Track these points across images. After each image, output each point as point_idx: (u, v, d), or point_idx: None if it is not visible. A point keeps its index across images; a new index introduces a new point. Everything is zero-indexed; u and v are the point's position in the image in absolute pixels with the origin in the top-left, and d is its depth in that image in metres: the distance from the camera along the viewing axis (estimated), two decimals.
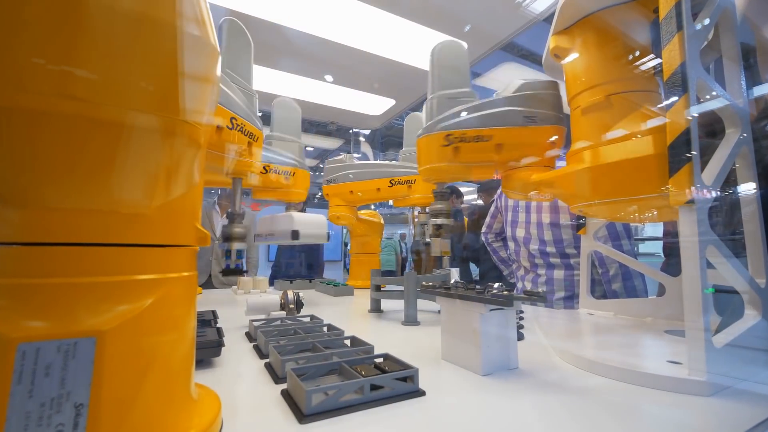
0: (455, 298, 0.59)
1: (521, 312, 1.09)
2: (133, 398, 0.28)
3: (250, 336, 0.77)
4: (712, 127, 0.65)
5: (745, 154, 0.61)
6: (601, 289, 1.25)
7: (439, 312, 0.64)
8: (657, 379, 0.48)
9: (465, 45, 1.00)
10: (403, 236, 6.96)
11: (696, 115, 0.51)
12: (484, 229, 1.89)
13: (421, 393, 0.46)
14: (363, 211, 1.94)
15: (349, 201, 1.71)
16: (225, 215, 1.59)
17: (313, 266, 2.96)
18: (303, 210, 1.91)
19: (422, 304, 1.05)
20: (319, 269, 3.06)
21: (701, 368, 0.46)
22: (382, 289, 1.10)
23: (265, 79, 2.03)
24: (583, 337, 0.76)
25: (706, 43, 0.73)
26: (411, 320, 0.91)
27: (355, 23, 1.55)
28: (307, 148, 6.95)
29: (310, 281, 1.74)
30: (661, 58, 0.55)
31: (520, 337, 0.77)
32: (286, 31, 1.60)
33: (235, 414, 0.41)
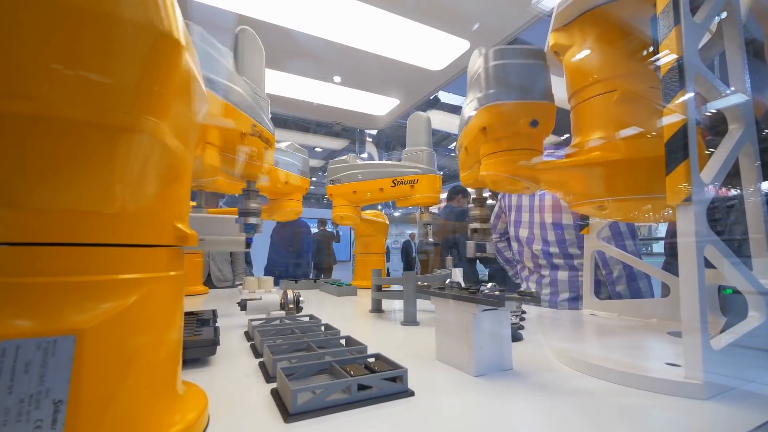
0: (448, 298, 0.58)
1: (524, 313, 1.08)
2: (113, 395, 0.29)
3: (248, 335, 0.77)
4: (724, 126, 0.63)
5: (749, 150, 0.60)
6: (606, 291, 1.23)
7: None
8: (652, 382, 0.47)
9: None
10: (412, 236, 6.95)
11: (693, 112, 0.50)
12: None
13: (410, 393, 0.46)
14: (368, 212, 1.95)
15: (352, 201, 1.72)
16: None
17: (318, 266, 2.99)
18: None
19: (424, 304, 1.04)
20: (326, 269, 3.08)
21: (698, 371, 0.45)
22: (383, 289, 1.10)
23: (271, 81, 2.05)
24: (583, 338, 0.74)
25: (710, 36, 0.72)
26: (410, 320, 0.90)
27: (359, 24, 1.55)
28: (316, 149, 6.98)
29: (315, 281, 1.75)
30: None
31: (519, 337, 0.77)
32: (291, 33, 1.61)
33: (223, 412, 0.42)
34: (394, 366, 0.49)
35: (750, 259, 0.58)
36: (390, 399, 0.44)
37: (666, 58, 0.53)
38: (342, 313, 1.12)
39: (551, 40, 0.82)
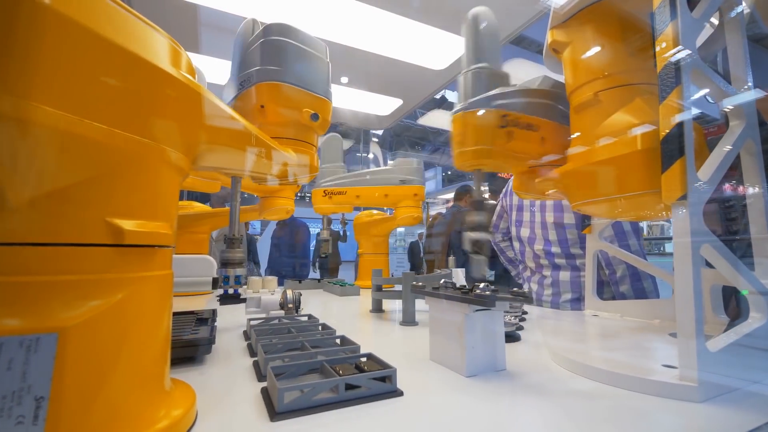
0: (441, 298, 0.58)
1: (525, 313, 1.07)
2: (96, 392, 0.29)
3: (246, 335, 0.78)
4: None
5: (751, 147, 0.58)
6: (610, 291, 1.21)
7: None
8: (646, 384, 0.46)
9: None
10: (420, 236, 6.93)
11: (689, 108, 0.49)
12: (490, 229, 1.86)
13: (399, 393, 0.46)
14: (373, 212, 1.95)
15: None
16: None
17: (324, 266, 3.00)
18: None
19: (424, 304, 1.04)
20: (331, 269, 3.09)
21: (692, 373, 0.44)
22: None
23: None
24: (581, 339, 0.73)
25: (712, 30, 0.70)
26: (409, 320, 0.90)
27: (361, 25, 1.56)
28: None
29: (319, 281, 1.76)
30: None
31: (517, 338, 0.76)
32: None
33: (213, 409, 0.42)
34: (383, 366, 0.49)
35: (752, 259, 0.57)
36: (378, 399, 0.44)
37: (662, 54, 0.52)
38: (342, 313, 1.12)
39: (549, 37, 0.81)
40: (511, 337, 0.75)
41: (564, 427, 0.39)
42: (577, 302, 1.24)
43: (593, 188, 0.72)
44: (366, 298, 1.39)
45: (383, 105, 2.08)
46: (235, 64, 0.86)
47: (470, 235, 0.85)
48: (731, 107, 0.57)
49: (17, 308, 0.27)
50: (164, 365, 0.38)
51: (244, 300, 0.87)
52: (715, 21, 0.68)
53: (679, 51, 0.50)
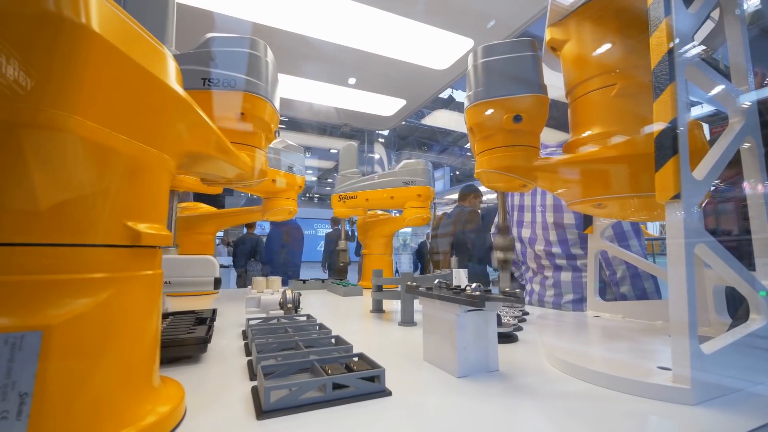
0: (433, 298, 0.58)
1: (526, 314, 1.06)
2: (80, 389, 0.30)
3: (245, 334, 0.79)
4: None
5: (751, 145, 0.57)
6: (612, 292, 1.19)
7: None
8: (639, 386, 0.46)
9: None
10: (428, 237, 6.91)
11: (684, 105, 0.48)
12: (492, 230, 1.84)
13: (387, 393, 0.46)
14: (377, 212, 1.95)
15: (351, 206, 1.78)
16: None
17: (332, 267, 3.02)
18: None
19: None
20: (338, 270, 3.10)
21: (686, 375, 0.43)
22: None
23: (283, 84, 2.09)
24: (579, 340, 0.72)
25: (713, 25, 0.69)
26: (407, 321, 0.90)
27: (364, 27, 1.56)
28: (331, 150, 7.05)
29: (323, 281, 1.77)
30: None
31: (515, 338, 0.75)
32: (302, 38, 1.64)
33: (202, 407, 0.43)
34: (373, 366, 0.49)
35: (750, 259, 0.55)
36: (366, 398, 0.45)
37: (655, 51, 0.51)
38: (343, 313, 1.12)
39: (548, 35, 0.80)
40: (509, 338, 0.74)
41: (548, 429, 0.38)
42: (579, 303, 1.22)
43: (589, 187, 0.71)
44: (368, 298, 1.39)
45: (387, 105, 2.08)
46: None
47: (498, 255, 0.94)
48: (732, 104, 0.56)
49: (4, 307, 0.28)
50: (152, 363, 0.38)
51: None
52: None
53: (673, 47, 0.49)
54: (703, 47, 0.66)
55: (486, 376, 0.53)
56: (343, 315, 1.09)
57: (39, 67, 0.28)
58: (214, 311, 0.85)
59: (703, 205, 0.52)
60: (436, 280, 0.64)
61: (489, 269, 2.67)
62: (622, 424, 0.39)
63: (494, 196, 1.20)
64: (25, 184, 0.29)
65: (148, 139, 0.37)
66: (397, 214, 1.84)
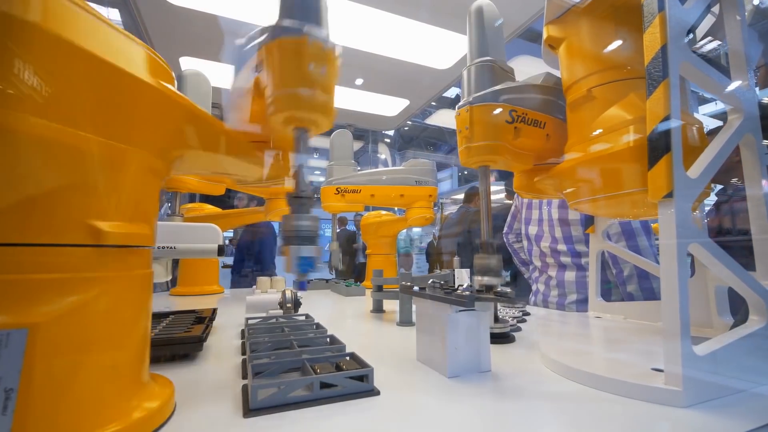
0: (425, 298, 0.58)
1: (528, 314, 1.05)
2: (66, 385, 0.31)
3: (243, 333, 0.80)
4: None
5: (750, 142, 0.55)
6: (618, 292, 1.17)
7: None
8: (630, 387, 0.45)
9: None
10: (434, 237, 6.88)
11: (677, 102, 0.47)
12: (504, 230, 1.83)
13: (375, 393, 0.46)
14: (382, 212, 1.95)
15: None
16: None
17: (337, 267, 3.03)
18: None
19: None
20: (344, 270, 3.12)
21: (677, 377, 0.43)
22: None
23: None
24: (576, 341, 0.71)
25: (714, 20, 0.67)
26: (405, 321, 0.90)
27: (367, 28, 1.57)
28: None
29: (327, 281, 1.78)
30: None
31: (511, 339, 0.75)
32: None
33: (192, 404, 0.43)
34: (362, 365, 0.49)
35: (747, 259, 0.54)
36: (353, 397, 0.45)
37: (649, 47, 0.50)
38: (343, 313, 1.13)
39: (545, 33, 0.79)
40: (505, 338, 0.74)
41: (529, 430, 0.38)
42: (584, 303, 1.21)
43: (587, 186, 0.70)
44: (370, 298, 1.39)
45: (391, 106, 2.08)
46: None
47: (481, 280, 0.78)
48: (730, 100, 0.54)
49: None
50: (140, 360, 0.39)
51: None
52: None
53: (666, 44, 0.49)
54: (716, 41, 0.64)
55: (477, 376, 0.53)
56: (343, 315, 1.09)
57: None
58: (214, 311, 0.86)
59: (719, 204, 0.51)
60: (430, 280, 0.64)
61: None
62: (607, 426, 0.39)
63: (502, 196, 1.18)
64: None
65: (119, 136, 0.36)
66: (401, 214, 1.83)
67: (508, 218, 1.78)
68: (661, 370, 0.49)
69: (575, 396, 0.46)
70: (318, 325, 0.76)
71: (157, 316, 0.79)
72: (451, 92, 5.68)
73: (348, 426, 0.39)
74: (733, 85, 0.55)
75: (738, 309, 0.72)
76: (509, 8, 1.50)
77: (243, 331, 0.81)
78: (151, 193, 0.42)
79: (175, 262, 1.51)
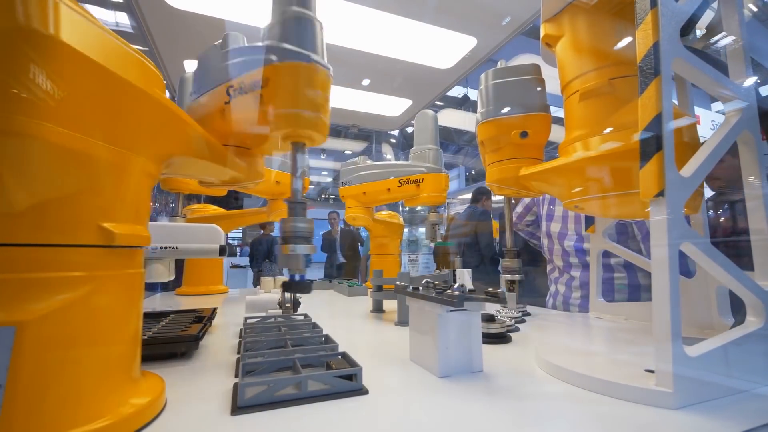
0: (417, 298, 0.58)
1: (528, 315, 1.04)
2: (54, 381, 0.32)
3: (242, 332, 0.81)
4: None
5: (749, 139, 0.54)
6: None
7: None
8: (620, 389, 0.45)
9: None
10: (443, 237, 6.84)
11: (669, 99, 0.47)
12: (513, 220, 1.78)
13: (364, 392, 0.46)
14: (383, 212, 1.95)
15: (363, 202, 1.73)
16: None
17: (340, 267, 3.04)
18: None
19: None
20: (349, 272, 3.12)
21: (668, 378, 0.42)
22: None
23: None
24: (572, 341, 0.71)
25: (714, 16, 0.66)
26: (403, 321, 0.90)
27: (369, 29, 1.57)
28: (345, 152, 7.10)
29: (330, 281, 1.79)
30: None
31: (507, 339, 0.74)
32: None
33: (183, 401, 0.44)
34: (352, 364, 0.49)
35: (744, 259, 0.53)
36: (341, 396, 0.45)
37: (641, 44, 0.50)
38: (343, 312, 1.13)
39: (542, 31, 0.79)
40: (502, 338, 0.74)
41: (513, 430, 0.38)
42: None
43: (583, 185, 0.69)
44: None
45: (394, 106, 2.08)
46: None
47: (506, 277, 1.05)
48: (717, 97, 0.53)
49: None
50: (130, 358, 0.40)
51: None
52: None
53: (658, 41, 0.48)
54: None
55: (468, 376, 0.53)
56: (343, 315, 1.10)
57: (9, 77, 0.30)
58: (213, 310, 0.87)
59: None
60: (424, 280, 0.64)
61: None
62: (591, 427, 0.39)
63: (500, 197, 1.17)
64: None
65: (124, 143, 0.38)
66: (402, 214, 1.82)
67: (519, 208, 1.73)
68: (653, 371, 0.48)
69: (564, 397, 0.46)
70: (315, 325, 0.76)
71: (158, 315, 0.80)
72: (457, 92, 5.66)
73: (333, 424, 0.39)
74: (731, 82, 0.54)
75: (740, 309, 0.71)
76: (514, 4, 1.49)
77: (241, 331, 0.83)
78: (146, 196, 0.44)
79: (180, 263, 1.53)
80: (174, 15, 1.33)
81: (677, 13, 0.50)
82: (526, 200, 1.68)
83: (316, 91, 0.58)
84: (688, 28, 0.73)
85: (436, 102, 2.08)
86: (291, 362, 0.53)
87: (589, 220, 0.95)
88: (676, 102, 0.75)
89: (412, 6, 1.41)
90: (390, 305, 1.17)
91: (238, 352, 0.66)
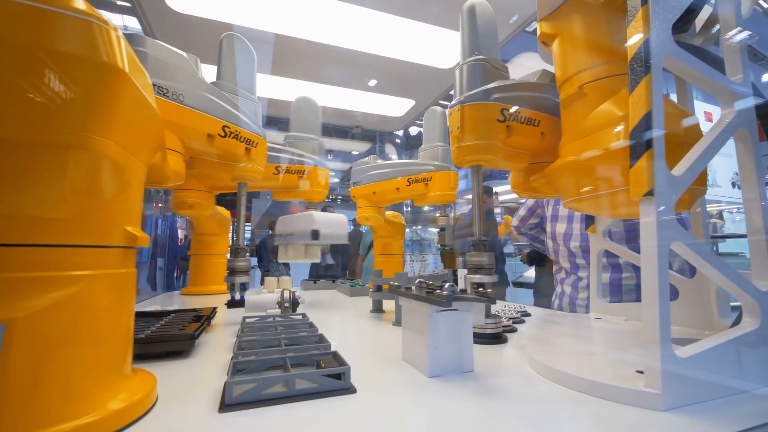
0: (408, 297, 0.58)
1: (527, 315, 1.03)
2: (42, 377, 0.33)
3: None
4: None
5: (745, 137, 0.53)
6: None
7: None
8: (609, 389, 0.44)
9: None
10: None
11: (659, 97, 0.46)
12: (515, 223, 1.77)
13: (352, 391, 0.47)
14: (387, 213, 1.95)
15: (373, 202, 1.73)
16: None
17: (344, 267, 3.05)
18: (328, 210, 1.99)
19: None
20: (351, 271, 3.13)
21: (657, 380, 0.41)
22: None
23: (293, 88, 2.14)
24: (568, 342, 0.70)
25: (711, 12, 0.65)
26: (400, 321, 0.90)
27: (371, 30, 1.58)
28: (352, 152, 7.11)
29: (333, 281, 1.80)
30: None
31: (503, 339, 0.74)
32: (316, 45, 1.67)
33: (175, 398, 0.45)
34: (341, 363, 0.50)
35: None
36: (329, 395, 0.45)
37: (632, 40, 0.49)
38: (343, 312, 1.14)
39: (539, 29, 0.78)
40: (498, 338, 0.73)
41: (492, 430, 0.38)
42: None
43: (580, 184, 0.68)
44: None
45: (398, 106, 2.09)
46: None
47: (472, 278, 0.79)
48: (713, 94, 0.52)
49: None
50: (121, 355, 0.41)
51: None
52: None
53: (648, 38, 0.47)
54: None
55: (458, 376, 0.53)
56: (342, 314, 1.10)
57: (85, 97, 0.35)
58: (213, 310, 0.88)
59: None
60: (417, 280, 0.64)
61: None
62: (578, 428, 0.38)
63: (514, 196, 1.16)
64: (56, 194, 0.35)
65: (141, 155, 0.43)
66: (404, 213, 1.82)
67: (522, 211, 1.71)
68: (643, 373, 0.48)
69: (552, 398, 0.46)
70: (311, 325, 0.77)
71: (158, 315, 0.82)
72: None
73: (318, 422, 0.39)
74: (726, 79, 0.53)
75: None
76: (515, 3, 1.48)
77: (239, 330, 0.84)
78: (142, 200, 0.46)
79: (186, 264, 1.55)
80: (176, 18, 1.36)
81: (669, 9, 0.49)
82: (530, 202, 1.66)
83: None
84: (687, 23, 0.72)
85: (440, 101, 2.07)
86: (282, 361, 0.53)
87: (589, 220, 0.94)
88: (675, 99, 0.73)
89: (413, 6, 1.41)
90: (390, 305, 1.18)
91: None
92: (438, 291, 0.53)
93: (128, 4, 1.36)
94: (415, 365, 0.57)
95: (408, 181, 1.55)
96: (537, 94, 0.86)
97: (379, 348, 0.70)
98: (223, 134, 0.87)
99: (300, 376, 0.45)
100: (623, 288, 1.22)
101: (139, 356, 0.58)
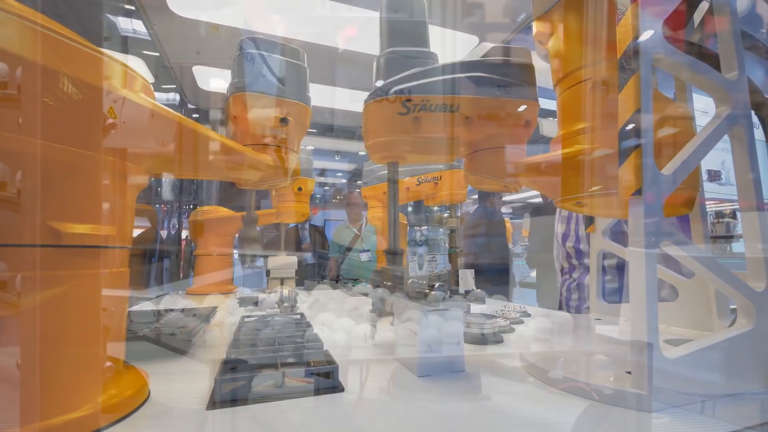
0: (399, 297, 0.58)
1: (527, 315, 1.03)
2: (32, 374, 0.34)
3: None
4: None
5: (740, 134, 0.52)
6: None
7: None
8: (596, 390, 0.44)
9: None
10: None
11: (648, 96, 0.46)
12: (562, 233, 1.71)
13: (340, 389, 0.47)
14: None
15: (384, 202, 1.73)
16: None
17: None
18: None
19: None
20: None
21: (643, 381, 0.41)
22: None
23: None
24: (563, 343, 0.70)
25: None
26: None
27: (373, 30, 1.58)
28: (359, 153, 7.13)
29: (336, 281, 1.80)
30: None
31: (499, 339, 0.74)
32: (319, 47, 1.69)
33: (166, 395, 0.46)
34: (330, 362, 0.50)
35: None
36: (317, 393, 0.46)
37: (622, 40, 0.49)
38: (343, 312, 1.14)
39: (534, 28, 0.78)
40: (493, 339, 0.73)
41: (473, 429, 0.38)
42: None
43: (576, 184, 0.68)
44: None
45: None
46: None
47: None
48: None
49: None
50: (113, 352, 0.42)
51: None
52: None
53: (638, 35, 0.47)
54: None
55: (448, 376, 0.53)
56: (342, 314, 1.10)
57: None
58: (213, 309, 0.90)
59: None
60: (411, 279, 0.65)
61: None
62: (564, 428, 0.38)
63: (519, 196, 1.15)
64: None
65: (78, 142, 0.38)
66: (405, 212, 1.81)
67: (563, 225, 1.63)
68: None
69: (541, 398, 0.46)
70: (308, 324, 0.77)
71: (158, 314, 0.83)
72: None
73: (305, 419, 0.40)
74: (720, 76, 0.52)
75: None
76: (516, 2, 1.47)
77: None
78: (123, 196, 0.45)
79: (191, 263, 1.58)
80: (179, 22, 1.38)
81: (659, 7, 0.49)
82: (566, 213, 1.64)
83: None
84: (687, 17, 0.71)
85: None
86: (274, 360, 0.54)
87: (589, 220, 0.93)
88: (674, 97, 0.72)
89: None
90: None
91: None
92: (428, 291, 0.53)
93: (132, 8, 1.39)
94: (405, 364, 0.57)
95: (418, 180, 1.55)
96: (456, 76, 0.77)
97: (374, 347, 0.70)
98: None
99: (288, 374, 0.46)
100: (613, 290, 1.20)
101: (137, 354, 0.59)
